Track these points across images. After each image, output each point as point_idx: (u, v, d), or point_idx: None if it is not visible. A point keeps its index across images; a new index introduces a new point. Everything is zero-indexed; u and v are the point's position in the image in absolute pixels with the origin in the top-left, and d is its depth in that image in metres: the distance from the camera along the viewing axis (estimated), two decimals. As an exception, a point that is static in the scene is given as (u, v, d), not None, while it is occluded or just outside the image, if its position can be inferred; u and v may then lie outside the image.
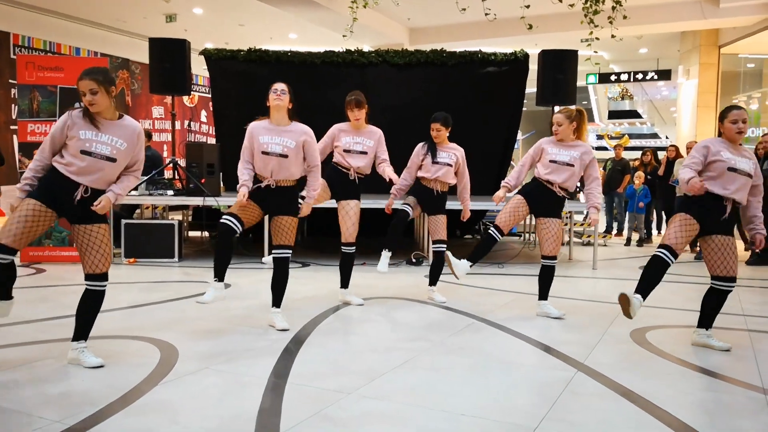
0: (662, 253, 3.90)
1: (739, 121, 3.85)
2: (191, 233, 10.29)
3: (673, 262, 3.88)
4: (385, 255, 5.15)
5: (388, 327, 4.50)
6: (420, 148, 5.28)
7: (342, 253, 5.11)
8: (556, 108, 8.75)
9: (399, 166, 5.37)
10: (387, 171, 5.00)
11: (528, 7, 8.45)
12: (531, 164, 4.83)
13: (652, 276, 3.90)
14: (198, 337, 4.09)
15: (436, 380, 3.31)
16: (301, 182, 4.40)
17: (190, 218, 10.21)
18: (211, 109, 10.14)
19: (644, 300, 3.87)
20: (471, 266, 4.81)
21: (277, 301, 4.35)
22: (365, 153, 5.02)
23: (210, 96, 10.35)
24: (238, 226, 4.13)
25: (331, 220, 5.30)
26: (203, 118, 15.68)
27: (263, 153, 4.14)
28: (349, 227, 5.01)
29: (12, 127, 11.59)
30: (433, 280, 5.39)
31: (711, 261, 3.95)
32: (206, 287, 4.28)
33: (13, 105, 12.03)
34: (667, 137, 29.87)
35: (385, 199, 5.51)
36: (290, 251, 4.28)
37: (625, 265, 8.04)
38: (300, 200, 4.42)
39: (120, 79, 13.95)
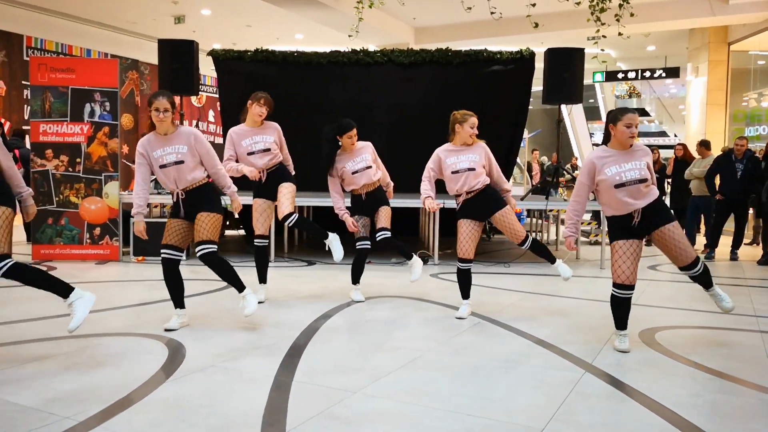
0: (616, 292, 3.88)
1: (633, 125, 3.75)
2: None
3: (631, 295, 3.87)
4: (356, 289, 5.30)
5: (394, 326, 4.50)
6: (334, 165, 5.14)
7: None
8: (564, 107, 8.70)
9: (404, 165, 5.38)
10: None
11: (534, 5, 8.43)
12: (436, 176, 4.74)
13: (621, 313, 3.92)
14: (205, 334, 4.11)
15: (441, 380, 3.31)
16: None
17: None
18: (219, 109, 10.18)
19: (626, 329, 3.94)
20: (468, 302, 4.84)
21: (238, 286, 4.21)
22: (269, 149, 4.99)
23: (218, 96, 10.40)
24: (179, 254, 4.20)
25: (328, 217, 5.31)
26: (211, 118, 15.74)
27: (161, 167, 4.11)
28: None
29: (24, 128, 11.70)
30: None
31: (668, 255, 3.93)
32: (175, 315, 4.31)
33: (25, 105, 12.12)
34: (675, 135, 29.72)
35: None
36: (214, 246, 4.12)
37: (633, 264, 8.00)
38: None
39: (129, 80, 14.03)
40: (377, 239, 5.15)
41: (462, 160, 4.63)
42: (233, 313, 4.76)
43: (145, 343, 3.91)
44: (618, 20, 8.36)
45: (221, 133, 11.66)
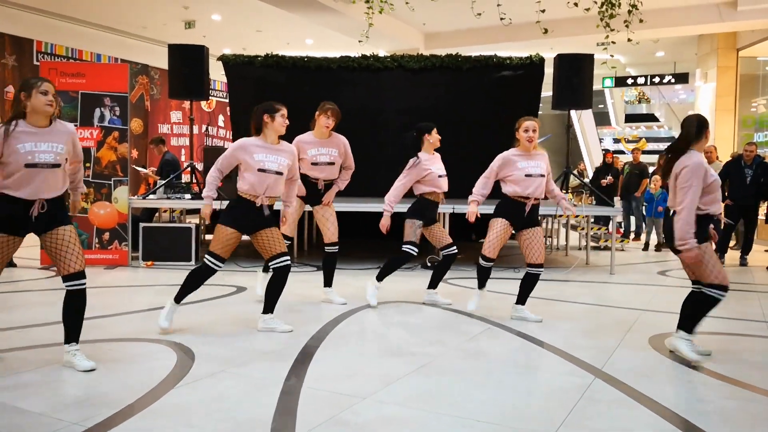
0: (720, 294, 3.77)
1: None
2: (208, 237, 10.35)
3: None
4: (374, 288, 5.27)
5: (404, 331, 4.49)
6: (421, 165, 5.08)
7: (326, 253, 5.30)
8: (574, 113, 8.70)
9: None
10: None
11: (543, 11, 8.43)
12: (495, 177, 4.79)
13: (705, 315, 3.84)
14: (214, 340, 4.11)
15: (451, 385, 3.30)
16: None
17: (207, 221, 10.28)
18: (229, 113, 10.23)
19: (692, 333, 3.82)
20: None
21: (269, 307, 4.41)
22: (333, 164, 5.12)
23: (228, 101, 10.44)
24: (222, 266, 4.23)
25: (346, 222, 5.33)
26: (221, 123, 15.79)
27: (260, 170, 4.14)
28: (330, 229, 5.20)
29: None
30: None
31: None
32: (166, 306, 4.32)
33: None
34: (685, 141, 29.46)
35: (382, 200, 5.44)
36: (289, 257, 4.34)
37: (643, 270, 7.97)
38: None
39: (139, 85, 14.10)
40: (447, 254, 5.29)
41: (533, 165, 4.66)
42: (242, 318, 4.76)
43: (154, 348, 3.92)
44: (627, 26, 8.35)
45: (231, 138, 11.69)
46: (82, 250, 3.48)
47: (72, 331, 3.48)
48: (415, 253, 5.21)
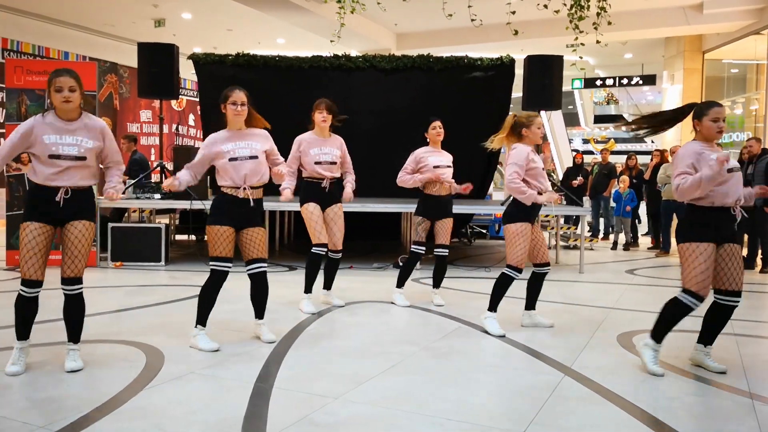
0: (686, 299, 3.50)
1: (720, 119, 3.50)
2: (178, 237, 10.24)
3: (698, 306, 3.52)
4: (400, 293, 5.41)
5: (375, 331, 4.50)
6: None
7: (330, 259, 5.21)
8: (544, 113, 8.80)
9: (386, 170, 5.39)
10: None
11: (514, 13, 8.51)
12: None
13: (670, 319, 3.58)
14: (184, 341, 4.06)
15: (422, 384, 3.31)
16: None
17: (177, 222, 10.17)
18: (199, 113, 10.12)
19: (659, 343, 3.61)
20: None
21: (260, 313, 4.20)
22: (335, 163, 5.06)
23: (198, 100, 10.33)
24: (229, 266, 3.98)
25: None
26: (191, 122, 15.61)
27: (231, 160, 3.95)
28: (336, 234, 5.12)
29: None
30: (437, 283, 5.50)
31: (716, 273, 3.55)
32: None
33: (0, 108, 11.94)
34: (652, 141, 30.09)
35: (377, 202, 5.52)
36: (266, 264, 4.11)
37: (612, 269, 8.09)
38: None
39: (108, 83, 13.87)
40: (436, 254, 5.40)
41: (539, 160, 4.48)
42: (211, 319, 4.71)
43: (122, 349, 3.87)
44: (596, 28, 8.47)
45: (201, 137, 11.58)
46: (85, 254, 3.46)
47: (68, 331, 3.54)
48: (422, 252, 5.36)
